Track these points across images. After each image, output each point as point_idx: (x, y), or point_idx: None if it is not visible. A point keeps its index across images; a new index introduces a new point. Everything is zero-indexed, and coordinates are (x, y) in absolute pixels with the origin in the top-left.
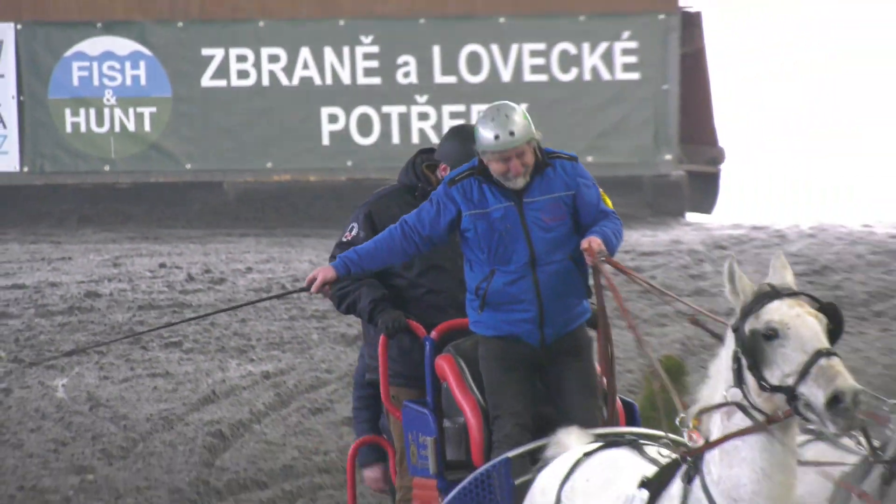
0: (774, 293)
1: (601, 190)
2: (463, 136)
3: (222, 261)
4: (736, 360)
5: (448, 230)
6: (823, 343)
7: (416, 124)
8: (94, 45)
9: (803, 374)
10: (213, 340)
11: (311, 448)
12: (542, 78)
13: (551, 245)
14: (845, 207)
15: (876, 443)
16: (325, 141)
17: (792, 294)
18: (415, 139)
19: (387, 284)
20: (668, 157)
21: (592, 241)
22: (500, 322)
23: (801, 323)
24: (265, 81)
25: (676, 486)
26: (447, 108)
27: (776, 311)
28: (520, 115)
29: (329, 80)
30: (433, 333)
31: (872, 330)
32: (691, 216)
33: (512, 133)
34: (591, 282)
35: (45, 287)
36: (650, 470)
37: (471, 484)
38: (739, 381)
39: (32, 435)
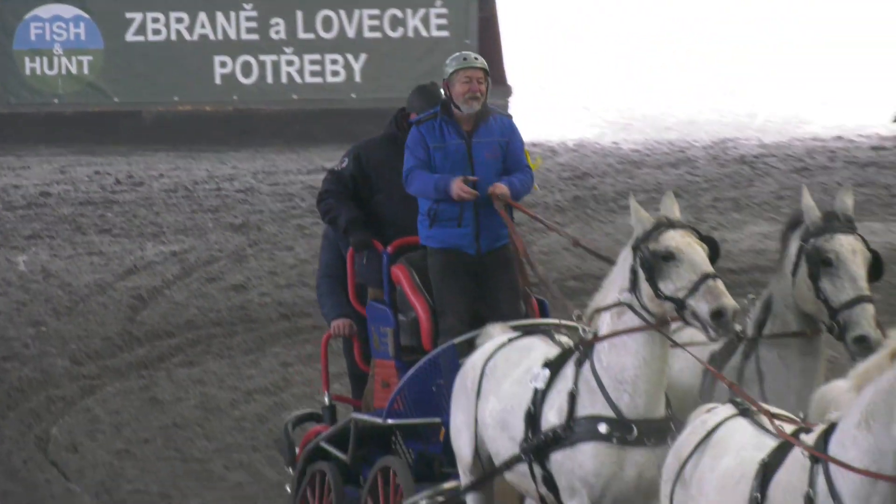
0: (670, 224)
1: (525, 148)
2: (425, 90)
3: (141, 169)
4: (633, 272)
5: (427, 160)
6: (710, 268)
7: (284, 69)
8: (47, 10)
9: (693, 290)
10: (135, 228)
11: (207, 307)
12: (378, 35)
13: (489, 177)
14: (599, 127)
15: (738, 327)
16: (218, 81)
17: (683, 226)
18: (283, 80)
19: (362, 205)
20: None
21: (498, 187)
22: (446, 236)
23: (692, 250)
24: (173, 37)
25: (570, 369)
26: (307, 57)
27: (672, 239)
28: (479, 56)
29: (220, 36)
30: (389, 248)
31: (619, 219)
32: None
33: (476, 58)
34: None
35: (10, 188)
36: (555, 353)
37: (424, 364)
38: (633, 288)
39: (0, 298)
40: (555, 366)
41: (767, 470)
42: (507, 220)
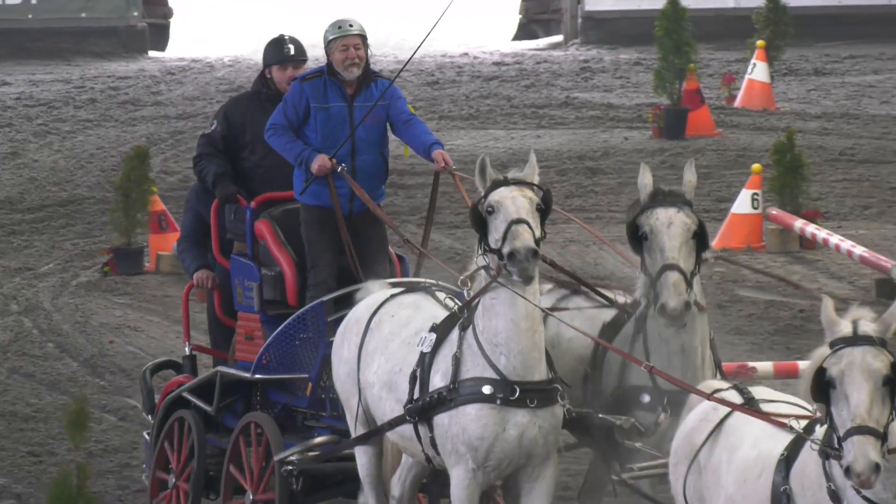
0: (503, 181)
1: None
2: (276, 42)
3: None
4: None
5: (304, 120)
6: (520, 214)
7: None
8: None
9: (504, 237)
10: None
11: None
12: None
13: (367, 141)
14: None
15: (532, 268)
16: None
17: (517, 182)
18: None
19: (234, 162)
20: (136, 13)
21: (445, 156)
22: (321, 194)
23: (510, 202)
24: None
25: (455, 333)
26: None
27: (498, 194)
28: (356, 21)
29: None
30: (252, 203)
31: None
32: (152, 53)
33: (351, 25)
34: None
35: None
36: (441, 314)
37: (291, 321)
38: (482, 250)
39: None
40: (441, 329)
41: (788, 463)
42: (460, 187)
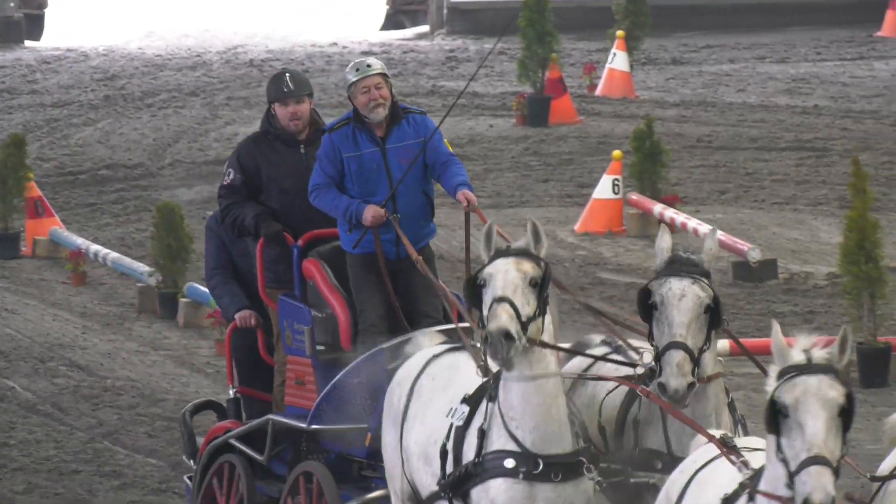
0: (504, 251)
1: (445, 138)
2: (276, 79)
3: None
4: None
5: (341, 172)
6: (504, 291)
7: None
8: None
9: (488, 315)
10: None
11: None
12: None
13: (406, 182)
14: (126, 34)
15: (509, 352)
16: None
17: (518, 252)
18: None
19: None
20: (12, 4)
21: (468, 195)
22: (365, 242)
23: (500, 276)
24: None
25: (484, 404)
26: None
27: (493, 266)
28: (377, 60)
29: None
30: (300, 242)
31: (144, 116)
32: (28, 43)
33: (369, 66)
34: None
35: None
36: (477, 380)
37: (348, 371)
38: (475, 301)
39: None
40: (472, 400)
41: None
42: (481, 216)
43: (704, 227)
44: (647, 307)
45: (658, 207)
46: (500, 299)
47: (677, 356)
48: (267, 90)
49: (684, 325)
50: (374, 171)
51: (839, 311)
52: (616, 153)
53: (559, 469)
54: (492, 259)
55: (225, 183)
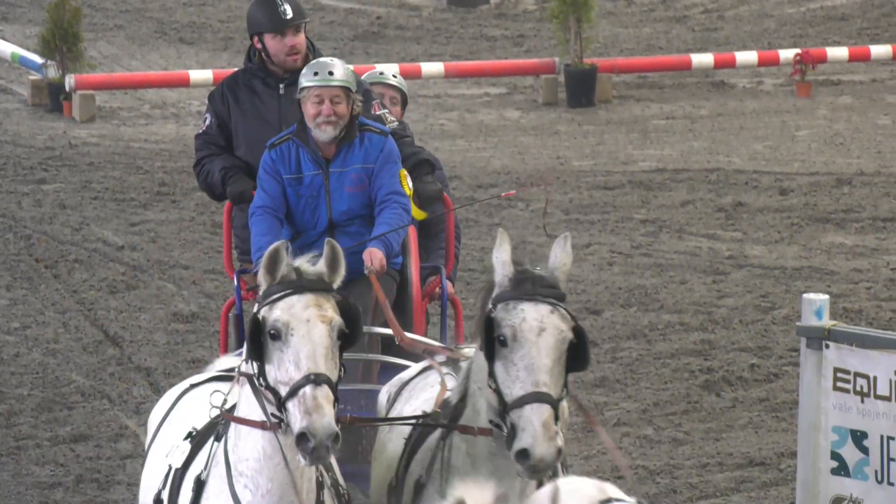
0: (297, 285)
1: (402, 169)
2: (263, 3)
3: None
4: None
5: (283, 193)
6: (318, 366)
7: None
8: None
9: (292, 392)
10: None
11: None
12: None
13: (349, 213)
14: None
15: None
16: None
17: (319, 289)
18: None
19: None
20: None
21: (374, 256)
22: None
23: (306, 331)
24: None
25: (209, 443)
26: None
27: (287, 309)
28: (343, 67)
29: None
30: None
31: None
32: None
33: (331, 73)
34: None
35: None
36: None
37: None
38: (257, 355)
39: None
40: (200, 437)
41: None
42: (379, 294)
43: None
44: (491, 342)
45: None
46: (317, 379)
47: (543, 413)
48: (251, 18)
49: (547, 369)
50: (313, 197)
51: (547, 35)
52: None
53: None
54: (284, 292)
55: (200, 131)
